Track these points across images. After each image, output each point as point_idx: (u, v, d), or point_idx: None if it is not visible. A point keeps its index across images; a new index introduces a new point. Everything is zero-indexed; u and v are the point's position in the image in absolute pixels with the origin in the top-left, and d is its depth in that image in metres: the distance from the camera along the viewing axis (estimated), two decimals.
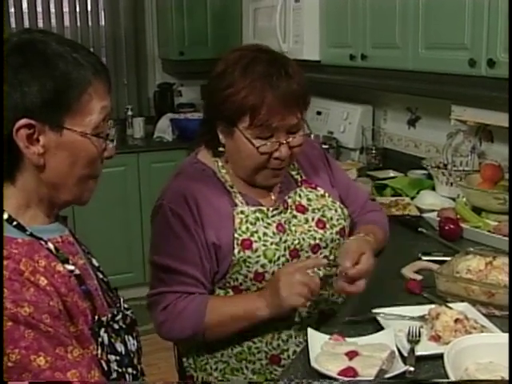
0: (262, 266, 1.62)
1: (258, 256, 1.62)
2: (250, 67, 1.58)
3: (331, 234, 1.73)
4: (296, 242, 1.68)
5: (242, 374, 1.70)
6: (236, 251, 1.61)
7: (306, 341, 1.50)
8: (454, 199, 2.64)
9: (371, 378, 1.33)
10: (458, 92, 2.44)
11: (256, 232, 1.64)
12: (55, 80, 1.08)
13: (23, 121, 1.07)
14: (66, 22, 4.75)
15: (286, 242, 1.66)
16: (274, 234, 1.65)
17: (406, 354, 1.44)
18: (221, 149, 1.68)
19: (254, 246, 1.62)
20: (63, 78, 1.09)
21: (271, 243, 1.64)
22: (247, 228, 1.63)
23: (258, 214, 1.66)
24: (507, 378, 1.27)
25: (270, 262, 1.63)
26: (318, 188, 1.79)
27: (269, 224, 1.66)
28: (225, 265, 1.63)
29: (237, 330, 1.63)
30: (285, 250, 1.65)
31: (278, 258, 1.64)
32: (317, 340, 1.50)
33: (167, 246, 1.63)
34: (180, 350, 1.83)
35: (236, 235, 1.62)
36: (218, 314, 1.61)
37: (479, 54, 2.21)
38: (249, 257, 1.61)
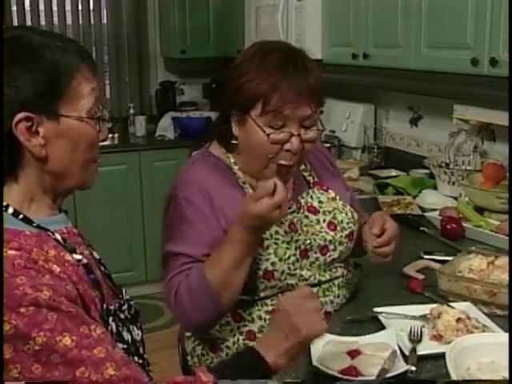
0: (272, 263, 1.62)
1: (269, 254, 1.61)
2: (267, 57, 1.59)
3: (341, 236, 1.72)
4: (307, 242, 1.67)
5: None
6: None
7: None
8: (456, 198, 2.63)
9: (373, 378, 1.33)
10: (460, 91, 2.43)
11: (268, 230, 1.62)
12: (45, 70, 1.11)
13: (21, 114, 1.09)
14: (69, 21, 4.74)
15: (297, 241, 1.66)
16: (285, 232, 1.65)
17: (407, 354, 1.44)
18: (234, 141, 1.67)
19: (266, 243, 1.62)
20: (52, 66, 1.12)
21: (282, 242, 1.63)
22: None
23: None
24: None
25: (280, 260, 1.62)
26: (330, 191, 1.78)
27: (281, 223, 1.65)
28: None
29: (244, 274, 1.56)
30: (295, 249, 1.65)
31: (289, 257, 1.63)
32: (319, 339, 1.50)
33: (181, 233, 1.62)
34: (184, 348, 1.83)
35: None
36: (219, 269, 1.53)
37: (482, 53, 2.20)
38: (259, 254, 1.61)
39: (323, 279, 1.71)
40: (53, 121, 1.12)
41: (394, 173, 3.29)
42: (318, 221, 1.72)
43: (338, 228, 1.72)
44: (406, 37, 2.65)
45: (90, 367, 1.01)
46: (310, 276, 1.68)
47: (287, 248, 1.64)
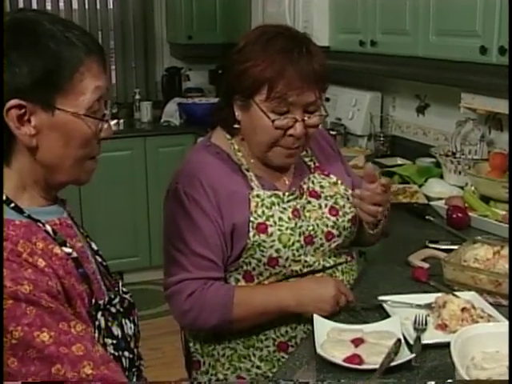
0: (277, 250, 1.62)
1: (273, 240, 1.62)
2: (272, 41, 1.58)
3: (343, 221, 1.72)
4: (310, 228, 1.67)
5: (250, 361, 1.70)
6: (251, 234, 1.61)
7: (312, 327, 1.50)
8: (462, 188, 2.63)
9: (377, 366, 1.33)
10: (467, 80, 2.42)
11: (272, 216, 1.63)
12: (45, 60, 1.08)
13: (13, 101, 1.07)
14: (75, 5, 4.73)
15: (301, 227, 1.66)
16: (289, 218, 1.65)
17: (412, 342, 1.44)
18: (236, 125, 1.66)
19: (270, 230, 1.62)
20: (53, 57, 1.08)
21: (286, 228, 1.63)
22: (263, 212, 1.63)
23: (273, 199, 1.65)
24: None
25: (285, 246, 1.62)
26: (331, 175, 1.78)
27: (284, 209, 1.66)
28: (238, 248, 1.62)
29: (263, 322, 1.66)
30: (300, 235, 1.65)
31: (293, 244, 1.63)
32: (323, 326, 1.50)
33: (184, 231, 1.61)
34: (187, 335, 1.83)
35: (252, 218, 1.61)
36: (248, 307, 1.62)
37: (490, 41, 2.18)
38: (263, 241, 1.61)
39: (327, 265, 1.71)
40: (47, 112, 1.10)
41: (399, 161, 3.29)
42: (320, 206, 1.72)
43: (340, 213, 1.73)
44: (413, 24, 2.63)
45: (66, 364, 1.00)
46: (315, 262, 1.69)
47: (291, 234, 1.63)
